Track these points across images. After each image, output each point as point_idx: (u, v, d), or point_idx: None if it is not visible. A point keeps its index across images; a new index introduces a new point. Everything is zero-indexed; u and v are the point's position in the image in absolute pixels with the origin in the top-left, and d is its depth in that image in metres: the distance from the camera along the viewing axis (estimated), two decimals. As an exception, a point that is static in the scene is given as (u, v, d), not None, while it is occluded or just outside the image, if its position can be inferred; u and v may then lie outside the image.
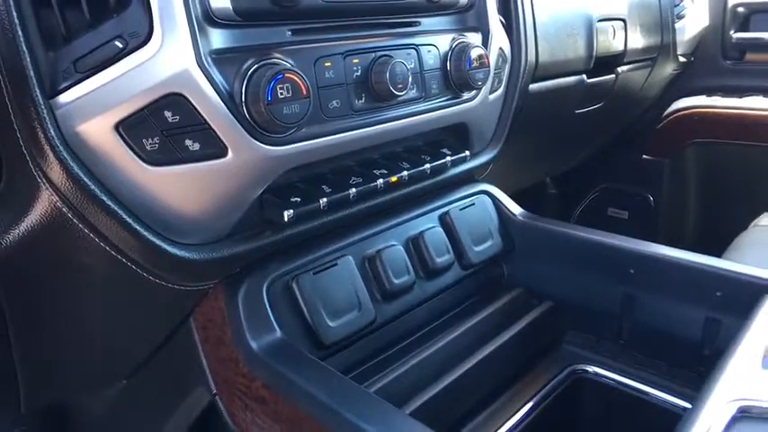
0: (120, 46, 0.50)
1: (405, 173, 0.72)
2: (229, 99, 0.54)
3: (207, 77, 0.53)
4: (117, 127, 0.51)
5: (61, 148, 0.50)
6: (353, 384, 0.58)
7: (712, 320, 0.74)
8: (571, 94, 1.24)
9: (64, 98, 0.50)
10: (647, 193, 1.82)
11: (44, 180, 0.52)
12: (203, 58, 0.53)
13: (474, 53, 0.75)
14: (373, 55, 0.66)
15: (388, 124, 0.69)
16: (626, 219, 1.87)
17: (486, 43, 0.82)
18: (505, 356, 0.78)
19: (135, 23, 0.51)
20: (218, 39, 0.55)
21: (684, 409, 0.73)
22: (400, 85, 0.66)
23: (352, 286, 0.71)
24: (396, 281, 0.75)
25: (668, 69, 1.61)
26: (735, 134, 1.65)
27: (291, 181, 0.65)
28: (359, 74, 0.65)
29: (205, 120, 0.53)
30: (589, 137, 1.64)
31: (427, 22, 0.75)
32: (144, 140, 0.52)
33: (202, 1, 0.54)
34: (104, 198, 0.53)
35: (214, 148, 0.55)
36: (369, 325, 0.72)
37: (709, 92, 1.68)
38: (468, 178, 0.94)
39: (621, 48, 1.33)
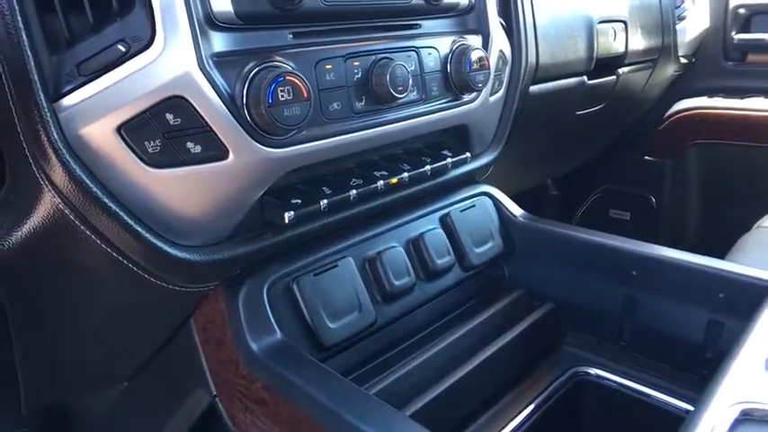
0: (123, 49, 0.51)
1: (405, 174, 0.72)
2: (231, 102, 0.55)
3: (208, 80, 0.53)
4: (119, 129, 0.52)
5: (64, 150, 0.50)
6: (354, 386, 0.58)
7: (715, 322, 0.74)
8: (572, 95, 1.24)
9: (67, 101, 0.51)
10: (648, 195, 1.82)
11: (47, 182, 0.53)
12: (205, 61, 0.53)
13: (474, 55, 0.75)
14: (374, 57, 0.67)
15: (389, 126, 0.69)
16: (628, 220, 1.87)
17: (486, 45, 0.82)
18: (506, 358, 0.78)
19: (138, 27, 0.51)
20: (219, 42, 0.55)
21: (687, 411, 0.73)
22: (400, 88, 0.67)
23: (353, 288, 0.72)
24: (396, 282, 0.75)
25: (669, 71, 1.61)
26: (737, 135, 1.65)
27: (292, 183, 0.65)
28: (359, 76, 0.65)
29: (206, 122, 0.54)
30: (590, 138, 1.64)
31: (427, 25, 0.75)
32: (146, 143, 0.52)
33: (204, 4, 0.54)
34: (106, 200, 0.53)
35: (215, 151, 0.55)
36: (369, 326, 0.72)
37: (711, 93, 1.68)
38: (469, 180, 0.94)
39: (622, 49, 1.33)
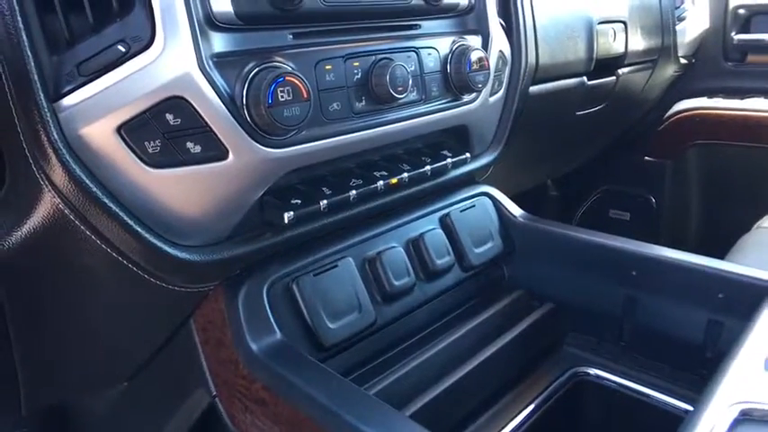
0: (123, 50, 0.51)
1: (405, 175, 0.72)
2: (230, 102, 0.55)
3: (208, 81, 0.53)
4: (119, 130, 0.52)
5: (64, 150, 0.51)
6: (353, 386, 0.58)
7: (714, 323, 0.74)
8: (572, 96, 1.24)
9: (67, 101, 0.51)
10: (648, 195, 1.82)
11: (47, 182, 0.53)
12: (205, 61, 0.53)
13: (474, 56, 0.75)
14: (373, 58, 0.67)
15: (389, 126, 0.69)
16: (628, 220, 1.87)
17: (486, 46, 0.82)
18: (506, 358, 0.78)
19: (138, 28, 0.51)
20: (219, 42, 0.55)
21: (686, 411, 0.73)
22: (400, 88, 0.67)
23: (353, 288, 0.72)
24: (396, 282, 0.75)
25: (669, 71, 1.61)
26: (737, 136, 1.65)
27: (292, 183, 0.65)
28: (359, 77, 0.65)
29: (206, 122, 0.54)
30: (590, 139, 1.64)
31: (427, 26, 0.75)
32: (146, 143, 0.52)
33: (204, 5, 0.54)
34: (106, 200, 0.53)
35: (215, 151, 0.55)
36: (369, 327, 0.72)
37: (711, 93, 1.68)
38: (469, 180, 0.94)
39: (622, 50, 1.33)
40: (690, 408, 0.72)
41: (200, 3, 0.54)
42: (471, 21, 0.81)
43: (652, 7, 1.45)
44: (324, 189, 0.65)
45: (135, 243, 0.56)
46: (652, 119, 1.75)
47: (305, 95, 0.57)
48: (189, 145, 0.54)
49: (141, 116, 0.52)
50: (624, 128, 1.73)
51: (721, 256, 1.18)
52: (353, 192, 0.67)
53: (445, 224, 0.86)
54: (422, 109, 0.73)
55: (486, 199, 0.93)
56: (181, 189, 0.56)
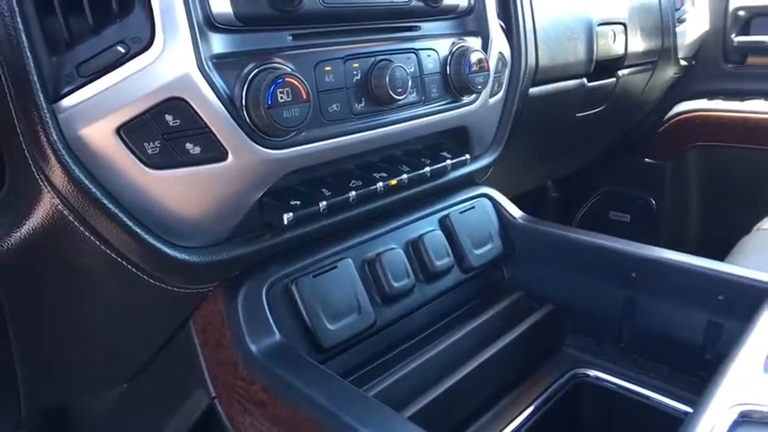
0: (123, 51, 0.51)
1: (405, 176, 0.72)
2: (230, 103, 0.55)
3: (208, 82, 0.53)
4: (118, 131, 0.52)
5: (63, 151, 0.51)
6: (352, 388, 0.58)
7: (714, 324, 0.74)
8: (572, 97, 1.24)
9: (66, 102, 0.51)
10: (648, 197, 1.82)
11: (46, 183, 0.53)
12: (204, 62, 0.53)
13: (474, 57, 0.75)
14: (373, 59, 0.67)
15: (388, 128, 0.69)
16: (628, 222, 1.87)
17: (485, 47, 0.82)
18: (506, 360, 0.78)
19: (137, 29, 0.51)
20: (219, 43, 0.55)
21: (686, 413, 0.73)
22: (400, 90, 0.67)
23: (352, 289, 0.71)
24: (395, 284, 0.75)
25: (669, 73, 1.61)
26: (737, 137, 1.65)
27: (291, 184, 0.65)
28: (359, 78, 0.65)
29: (206, 124, 0.54)
30: (590, 140, 1.64)
31: (427, 27, 0.75)
32: (145, 144, 0.52)
33: (204, 6, 0.54)
34: (105, 201, 0.53)
35: (214, 152, 0.55)
36: (368, 328, 0.72)
37: (711, 95, 1.68)
38: (469, 181, 0.94)
39: (622, 51, 1.33)
40: (689, 409, 0.72)
41: (200, 4, 0.54)
42: (471, 22, 0.81)
43: (652, 9, 1.45)
44: (323, 190, 0.65)
45: (134, 244, 0.56)
46: (652, 120, 1.75)
47: (304, 97, 0.57)
48: (188, 146, 0.54)
49: (141, 117, 0.52)
50: (624, 129, 1.73)
51: (721, 257, 1.18)
52: (353, 193, 0.67)
53: (445, 225, 0.86)
54: (421, 110, 0.73)
55: (486, 200, 0.93)
56: (180, 190, 0.56)
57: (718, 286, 0.73)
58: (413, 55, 0.71)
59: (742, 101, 1.63)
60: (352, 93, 0.65)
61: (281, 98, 0.55)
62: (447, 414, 0.71)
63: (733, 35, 1.65)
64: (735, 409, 0.49)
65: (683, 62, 1.62)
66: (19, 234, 0.57)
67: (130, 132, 0.52)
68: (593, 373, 0.82)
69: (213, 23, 0.55)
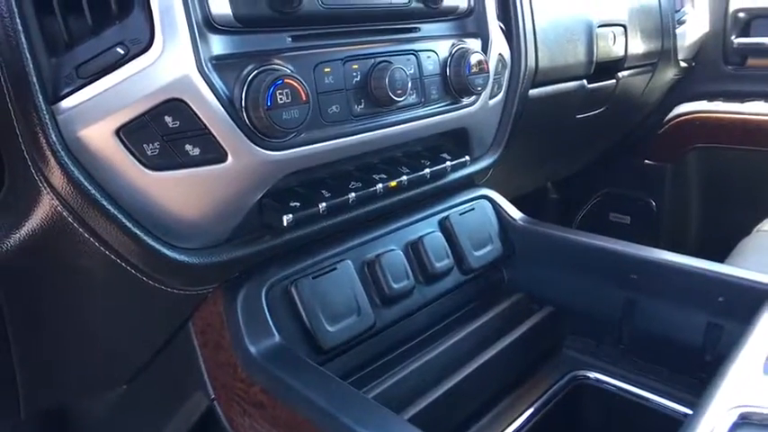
0: (122, 52, 0.51)
1: (404, 177, 0.72)
2: (229, 104, 0.55)
3: (207, 83, 0.53)
4: (118, 132, 0.52)
5: (62, 153, 0.51)
6: (352, 389, 0.58)
7: (714, 326, 0.73)
8: (572, 99, 1.24)
9: (66, 104, 0.51)
10: (649, 198, 1.82)
11: (45, 184, 0.53)
12: (204, 63, 0.53)
13: (473, 59, 0.75)
14: (373, 61, 0.67)
15: (388, 129, 0.69)
16: (628, 224, 1.86)
17: (485, 49, 0.82)
18: (505, 362, 0.78)
19: (136, 30, 0.51)
20: (218, 45, 0.55)
21: (685, 415, 0.72)
22: (399, 91, 0.67)
23: (352, 291, 0.71)
24: (395, 285, 0.75)
25: (669, 74, 1.61)
26: (737, 139, 1.65)
27: (291, 185, 0.65)
28: (358, 79, 0.65)
29: (205, 125, 0.54)
30: (590, 142, 1.64)
31: (427, 28, 0.75)
32: (144, 145, 0.52)
33: (203, 8, 0.54)
34: (105, 203, 0.53)
35: (214, 153, 0.55)
36: (368, 330, 0.72)
37: (711, 97, 1.68)
38: (469, 183, 0.94)
39: (622, 53, 1.33)
40: (689, 411, 0.71)
41: (199, 5, 0.54)
42: (471, 24, 0.81)
43: (652, 10, 1.45)
44: (323, 192, 0.65)
45: (133, 245, 0.56)
46: (652, 122, 1.75)
47: (304, 98, 0.57)
48: (188, 147, 0.54)
49: (140, 118, 0.52)
50: (624, 131, 1.73)
51: (721, 259, 1.18)
52: (353, 194, 0.67)
53: (444, 227, 0.86)
54: (421, 112, 0.73)
55: (486, 202, 0.93)
56: (179, 191, 0.56)
57: (718, 288, 0.73)
58: (412, 56, 0.71)
59: (742, 102, 1.63)
60: (352, 94, 0.65)
61: (281, 99, 0.55)
62: (447, 416, 0.71)
63: (733, 37, 1.65)
64: (735, 410, 0.49)
65: (683, 64, 1.62)
66: (18, 235, 0.57)
67: (130, 134, 0.52)
68: (592, 374, 0.82)
69: (212, 25, 0.55)
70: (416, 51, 0.72)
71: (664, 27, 1.48)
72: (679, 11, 1.58)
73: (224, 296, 0.65)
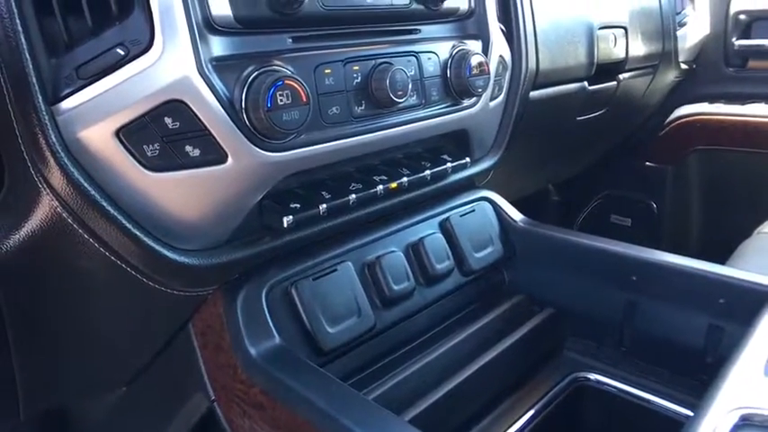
0: (122, 53, 0.51)
1: (405, 179, 0.72)
2: (229, 106, 0.55)
3: (207, 84, 0.53)
4: (118, 133, 0.52)
5: (62, 153, 0.50)
6: (352, 391, 0.58)
7: (715, 328, 0.73)
8: (572, 101, 1.24)
9: (66, 104, 0.51)
10: (649, 200, 1.82)
11: (45, 185, 0.53)
12: (204, 65, 0.53)
13: (474, 60, 0.75)
14: (373, 62, 0.67)
15: (389, 131, 0.69)
16: (629, 226, 1.86)
17: (486, 50, 0.82)
18: (506, 363, 0.78)
19: (137, 31, 0.51)
20: (218, 46, 0.55)
21: (687, 417, 0.72)
22: (400, 92, 0.67)
23: (352, 292, 0.71)
24: (395, 287, 0.75)
25: (670, 76, 1.61)
26: (737, 141, 1.65)
27: (291, 187, 0.65)
28: (359, 81, 0.65)
29: (205, 126, 0.54)
30: (591, 144, 1.64)
31: (427, 30, 0.75)
32: (144, 146, 0.52)
33: (203, 9, 0.54)
34: (104, 204, 0.53)
35: (214, 155, 0.55)
36: (368, 331, 0.71)
37: (712, 99, 1.68)
38: (469, 185, 0.94)
39: (623, 55, 1.33)
40: (690, 413, 0.71)
41: (200, 6, 0.54)
42: (471, 25, 0.81)
43: (653, 13, 1.45)
44: (323, 193, 0.65)
45: (133, 247, 0.56)
46: (653, 124, 1.75)
47: (304, 99, 0.57)
48: (188, 148, 0.54)
49: (140, 120, 0.52)
50: (625, 133, 1.73)
51: (722, 261, 1.18)
52: (353, 196, 0.66)
53: (445, 229, 0.86)
54: (422, 113, 0.73)
55: (487, 203, 0.93)
56: (180, 193, 0.56)
57: (719, 289, 0.73)
58: (413, 58, 0.71)
59: (743, 104, 1.63)
60: (353, 95, 0.65)
61: (281, 101, 0.55)
62: (447, 417, 0.70)
63: (734, 39, 1.65)
64: (736, 412, 0.48)
65: (683, 66, 1.62)
66: (18, 236, 0.57)
67: (130, 135, 0.52)
68: (593, 376, 0.82)
69: (213, 26, 0.55)
70: (417, 53, 0.72)
71: (664, 29, 1.48)
72: (680, 13, 1.58)
73: (224, 297, 0.64)
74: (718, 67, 1.67)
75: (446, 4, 0.75)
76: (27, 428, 0.85)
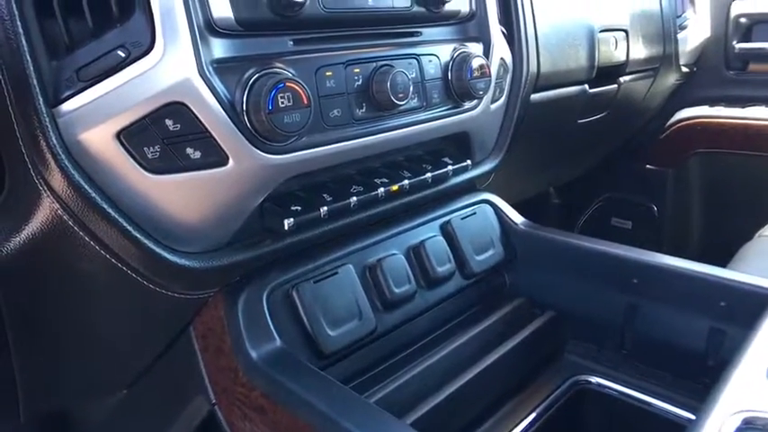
0: (123, 55, 0.51)
1: (406, 182, 0.72)
2: (230, 108, 0.55)
3: (208, 86, 0.53)
4: (118, 135, 0.52)
5: (63, 156, 0.50)
6: (353, 394, 0.58)
7: (717, 331, 0.73)
8: (573, 103, 1.24)
9: (66, 107, 0.51)
10: (650, 203, 1.82)
11: (45, 188, 0.53)
12: (205, 67, 0.53)
13: (475, 63, 0.75)
14: (374, 65, 0.67)
15: (390, 133, 0.69)
16: (630, 229, 1.86)
17: (487, 53, 0.82)
18: (507, 366, 0.78)
19: (137, 33, 0.51)
20: (219, 48, 0.55)
21: (688, 420, 0.72)
22: (401, 95, 0.67)
23: (353, 295, 0.71)
24: (396, 290, 0.75)
25: (671, 79, 1.61)
26: (738, 144, 1.65)
27: (292, 189, 0.65)
28: (360, 83, 0.65)
29: (206, 128, 0.54)
30: (592, 147, 1.64)
31: (428, 32, 0.75)
32: (145, 149, 0.52)
33: (204, 11, 0.54)
34: (105, 206, 0.53)
35: (215, 157, 0.55)
36: (369, 334, 0.71)
37: (712, 102, 1.68)
38: (470, 187, 0.94)
39: (623, 58, 1.33)
40: (692, 416, 0.71)
41: (201, 8, 0.54)
42: (472, 28, 0.81)
43: (653, 15, 1.45)
44: (324, 196, 0.65)
45: (134, 249, 0.56)
46: (653, 127, 1.75)
47: (305, 102, 0.56)
48: (189, 151, 0.54)
49: (141, 122, 0.52)
50: (626, 136, 1.73)
51: (723, 264, 1.18)
52: (354, 198, 0.66)
53: (446, 231, 0.86)
54: (423, 116, 0.73)
55: (488, 206, 0.93)
56: (180, 195, 0.56)
57: (721, 293, 0.73)
58: (414, 60, 0.71)
59: (743, 107, 1.63)
60: (354, 98, 0.65)
61: (282, 103, 0.55)
62: (449, 421, 0.70)
63: (734, 42, 1.65)
64: (738, 415, 0.48)
65: (684, 69, 1.62)
66: (19, 239, 0.57)
67: (130, 137, 0.52)
68: (594, 379, 0.82)
69: (214, 28, 0.55)
70: (418, 55, 0.72)
71: (665, 32, 1.48)
72: (680, 16, 1.58)
73: (225, 300, 0.64)
74: (718, 70, 1.67)
75: (447, 7, 0.75)
76: (27, 430, 0.85)
